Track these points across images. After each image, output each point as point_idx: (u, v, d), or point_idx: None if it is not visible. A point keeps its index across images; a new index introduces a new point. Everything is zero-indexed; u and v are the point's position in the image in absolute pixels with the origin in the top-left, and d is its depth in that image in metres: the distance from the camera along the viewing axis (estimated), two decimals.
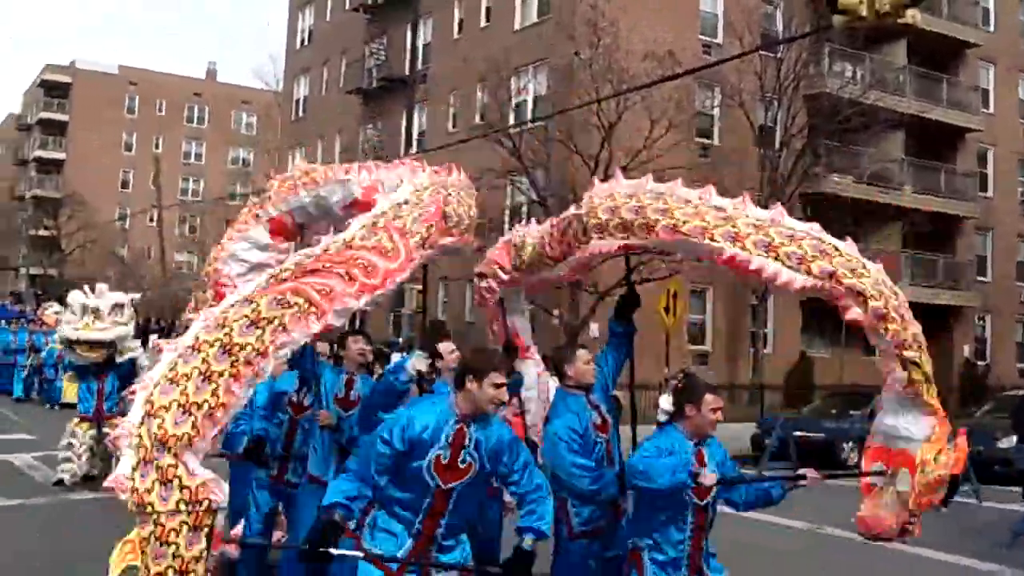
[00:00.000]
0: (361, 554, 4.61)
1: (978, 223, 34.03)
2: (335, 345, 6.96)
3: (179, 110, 73.76)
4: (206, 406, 4.18)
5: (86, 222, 60.41)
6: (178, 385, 4.20)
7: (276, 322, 4.42)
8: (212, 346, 4.30)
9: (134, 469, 4.08)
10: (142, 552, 4.03)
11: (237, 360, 4.28)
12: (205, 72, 77.99)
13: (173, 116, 73.33)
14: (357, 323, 12.66)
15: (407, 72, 30.28)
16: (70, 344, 12.43)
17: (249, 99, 69.74)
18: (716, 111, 28.75)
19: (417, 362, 5.92)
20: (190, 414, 4.14)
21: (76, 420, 12.35)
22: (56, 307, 36.83)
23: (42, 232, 66.84)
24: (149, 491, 4.04)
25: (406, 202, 5.27)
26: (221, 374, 4.25)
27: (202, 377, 4.22)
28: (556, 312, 23.76)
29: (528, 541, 4.70)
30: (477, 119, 28.91)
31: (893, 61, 31.57)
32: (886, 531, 5.47)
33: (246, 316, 4.41)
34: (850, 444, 17.62)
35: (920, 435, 5.36)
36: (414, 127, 29.58)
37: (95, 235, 59.83)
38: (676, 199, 5.40)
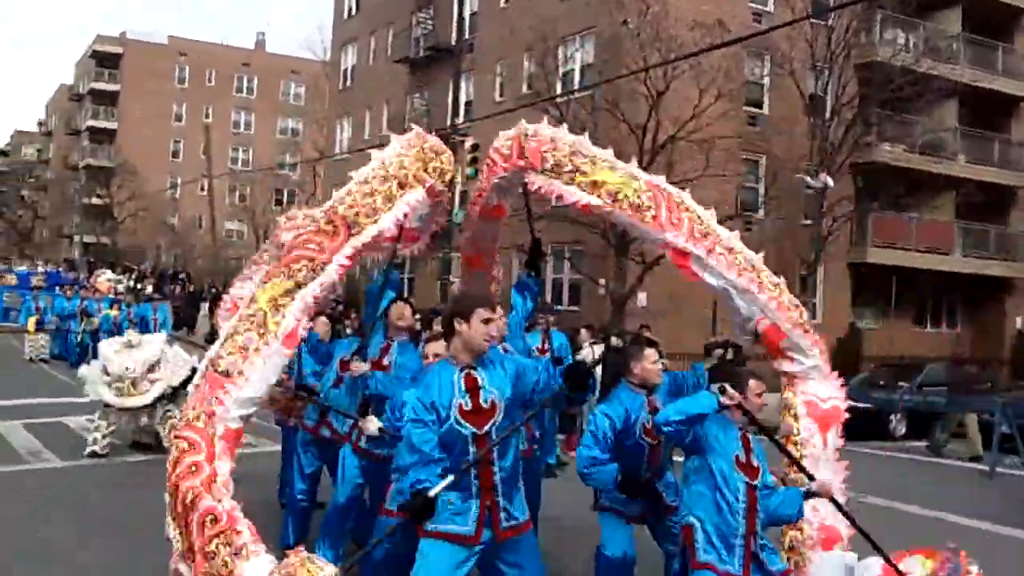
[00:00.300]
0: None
1: None
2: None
3: (228, 80, 74.18)
4: None
5: (137, 191, 61.22)
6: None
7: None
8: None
9: None
10: None
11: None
12: (254, 43, 78.40)
13: (222, 86, 73.79)
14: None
15: (454, 41, 30.28)
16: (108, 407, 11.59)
17: (297, 69, 70.01)
18: (766, 80, 28.35)
19: (370, 424, 6.16)
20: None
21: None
22: (109, 274, 37.33)
23: (95, 201, 67.87)
24: None
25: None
26: None
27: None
28: (602, 282, 23.69)
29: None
30: (524, 88, 28.81)
31: (947, 29, 30.95)
32: None
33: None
34: (898, 415, 17.86)
35: None
36: (461, 96, 29.57)
37: (146, 204, 60.63)
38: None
